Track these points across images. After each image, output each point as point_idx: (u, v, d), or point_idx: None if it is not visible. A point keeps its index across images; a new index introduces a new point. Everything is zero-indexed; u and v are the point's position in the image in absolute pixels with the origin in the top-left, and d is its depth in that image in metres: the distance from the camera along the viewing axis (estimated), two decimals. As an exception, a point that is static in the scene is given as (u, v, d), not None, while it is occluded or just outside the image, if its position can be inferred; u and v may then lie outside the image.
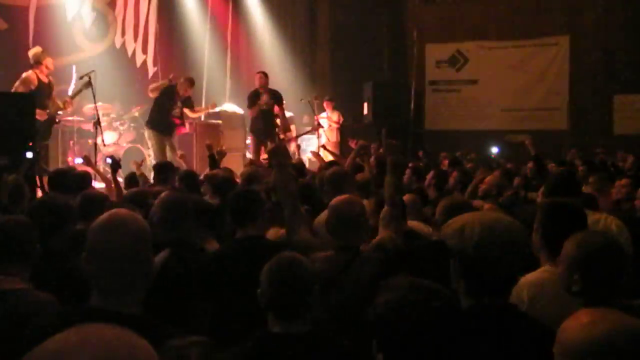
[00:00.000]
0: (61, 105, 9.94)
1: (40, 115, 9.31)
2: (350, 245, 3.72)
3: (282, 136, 12.12)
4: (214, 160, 7.96)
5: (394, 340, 1.98)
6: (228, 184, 5.98)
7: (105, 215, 2.39)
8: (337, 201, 3.87)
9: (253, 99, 11.81)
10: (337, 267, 3.60)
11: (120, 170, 7.46)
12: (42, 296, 2.90)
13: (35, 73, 9.73)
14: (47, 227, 3.59)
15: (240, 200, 4.14)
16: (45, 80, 9.79)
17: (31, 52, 10.07)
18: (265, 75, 11.99)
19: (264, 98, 11.70)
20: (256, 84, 11.97)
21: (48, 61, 9.95)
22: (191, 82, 11.40)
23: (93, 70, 9.96)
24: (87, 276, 2.35)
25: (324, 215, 4.37)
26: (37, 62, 9.81)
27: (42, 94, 9.63)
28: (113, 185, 6.89)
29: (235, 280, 3.80)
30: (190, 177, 6.66)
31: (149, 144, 11.16)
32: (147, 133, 11.22)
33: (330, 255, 3.72)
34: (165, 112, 10.98)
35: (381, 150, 8.26)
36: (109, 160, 7.39)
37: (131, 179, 7.44)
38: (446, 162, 10.27)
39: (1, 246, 2.98)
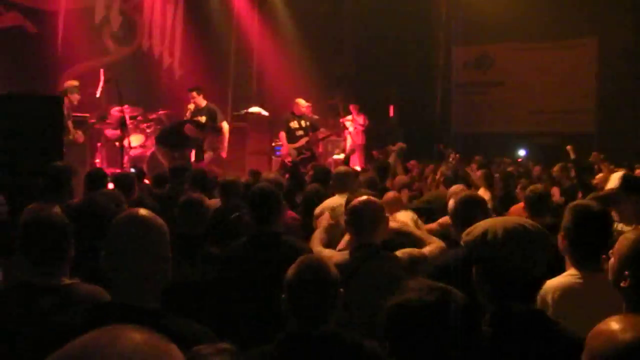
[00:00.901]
0: (72, 136, 9.95)
1: None
2: (367, 244, 3.75)
3: (307, 139, 12.12)
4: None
5: (405, 343, 1.96)
6: (235, 186, 6.06)
7: (123, 214, 2.47)
8: (355, 201, 3.91)
9: None
10: (354, 265, 3.61)
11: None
12: (92, 288, 2.96)
13: None
14: (89, 228, 3.65)
15: (258, 198, 4.25)
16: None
17: (66, 83, 10.17)
18: (198, 92, 11.59)
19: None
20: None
21: (74, 97, 9.97)
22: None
23: (119, 74, 10.04)
24: (107, 273, 2.41)
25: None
26: (63, 94, 9.87)
27: None
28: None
29: (248, 276, 3.97)
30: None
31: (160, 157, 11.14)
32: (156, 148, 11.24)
33: (348, 254, 3.76)
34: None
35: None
36: (133, 170, 7.46)
37: (159, 179, 7.49)
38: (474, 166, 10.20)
39: (42, 244, 3.01)
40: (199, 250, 4.19)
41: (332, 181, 6.21)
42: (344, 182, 5.92)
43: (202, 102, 11.42)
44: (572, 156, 9.40)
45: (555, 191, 8.37)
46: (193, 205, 4.33)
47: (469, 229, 2.51)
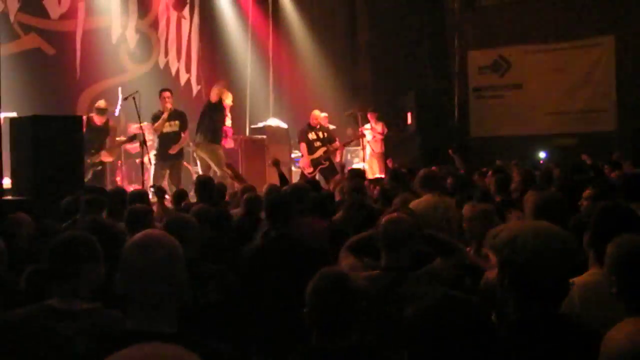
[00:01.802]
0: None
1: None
2: (396, 266, 3.67)
3: (325, 149, 12.24)
4: (284, 178, 8.30)
5: (423, 350, 1.97)
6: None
7: (137, 235, 2.41)
8: (385, 220, 3.83)
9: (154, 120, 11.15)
10: (383, 287, 3.55)
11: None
12: (113, 314, 2.94)
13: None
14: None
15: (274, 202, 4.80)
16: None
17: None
18: (171, 94, 11.34)
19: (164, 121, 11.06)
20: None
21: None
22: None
23: (137, 91, 10.14)
24: (121, 296, 2.36)
25: None
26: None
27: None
28: (161, 210, 6.95)
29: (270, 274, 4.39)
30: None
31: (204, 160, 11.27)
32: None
33: (376, 275, 3.67)
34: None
35: None
36: (152, 190, 7.51)
37: (180, 196, 7.52)
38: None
39: (63, 264, 3.01)
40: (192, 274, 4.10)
41: (420, 182, 6.47)
42: (434, 182, 6.23)
43: (173, 106, 11.21)
44: (589, 162, 9.38)
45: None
46: (176, 226, 4.06)
47: (495, 232, 2.52)
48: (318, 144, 12.27)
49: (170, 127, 11.15)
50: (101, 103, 10.83)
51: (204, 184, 7.14)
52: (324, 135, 12.39)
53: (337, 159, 13.02)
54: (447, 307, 2.00)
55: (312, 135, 12.30)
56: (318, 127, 12.42)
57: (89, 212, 5.46)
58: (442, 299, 2.05)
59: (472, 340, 1.94)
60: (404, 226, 3.73)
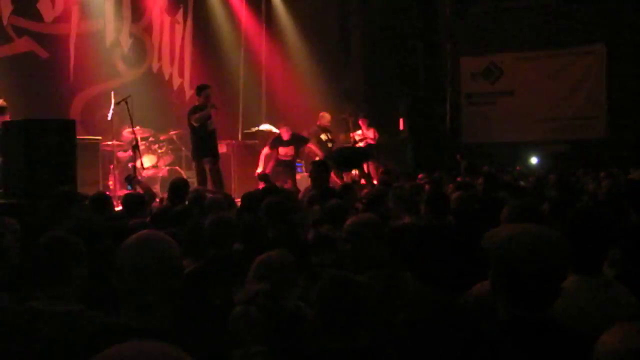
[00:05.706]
0: None
1: None
2: (383, 262, 3.69)
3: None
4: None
5: (415, 353, 2.01)
6: None
7: (133, 236, 2.49)
8: (353, 220, 3.88)
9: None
10: (381, 285, 3.58)
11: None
12: (95, 316, 2.94)
13: None
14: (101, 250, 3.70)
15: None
16: None
17: None
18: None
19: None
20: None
21: None
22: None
23: (129, 95, 10.13)
24: (118, 294, 2.45)
25: None
26: None
27: None
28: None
29: None
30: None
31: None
32: None
33: (372, 274, 3.71)
34: None
35: None
36: (129, 187, 7.53)
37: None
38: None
39: (47, 266, 3.01)
40: None
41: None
42: None
43: None
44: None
45: None
46: None
47: (490, 233, 2.49)
48: (329, 144, 12.98)
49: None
50: None
51: (176, 187, 7.11)
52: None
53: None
54: (438, 313, 2.04)
55: (324, 136, 12.92)
56: (326, 128, 13.06)
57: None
58: (433, 304, 2.08)
59: (462, 345, 1.97)
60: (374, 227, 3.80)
